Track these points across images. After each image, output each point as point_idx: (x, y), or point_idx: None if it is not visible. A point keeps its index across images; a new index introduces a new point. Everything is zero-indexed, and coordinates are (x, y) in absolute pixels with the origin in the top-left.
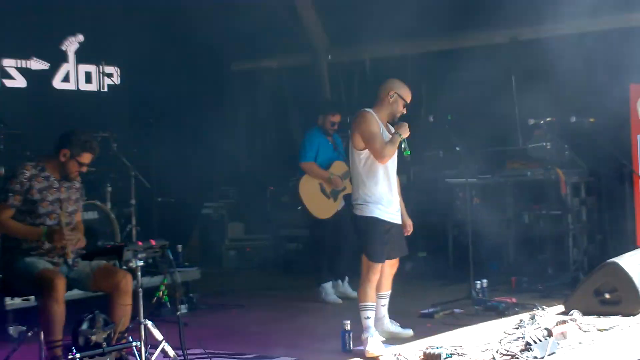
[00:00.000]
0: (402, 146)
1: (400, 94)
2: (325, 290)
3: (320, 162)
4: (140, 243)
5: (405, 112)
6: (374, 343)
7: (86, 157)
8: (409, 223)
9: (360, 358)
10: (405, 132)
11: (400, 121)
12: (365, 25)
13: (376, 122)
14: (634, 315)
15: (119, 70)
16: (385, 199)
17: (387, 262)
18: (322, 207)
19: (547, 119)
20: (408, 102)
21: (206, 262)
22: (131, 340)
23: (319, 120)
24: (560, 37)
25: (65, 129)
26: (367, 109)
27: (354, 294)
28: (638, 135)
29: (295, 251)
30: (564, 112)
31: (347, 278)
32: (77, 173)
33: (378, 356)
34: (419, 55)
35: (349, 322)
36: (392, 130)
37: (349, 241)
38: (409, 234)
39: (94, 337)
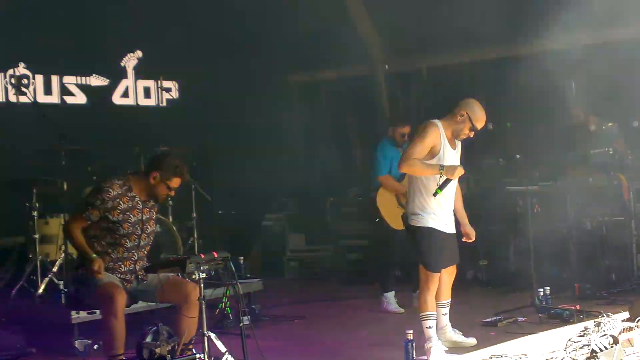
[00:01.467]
0: (438, 183)
1: (471, 118)
2: (388, 299)
3: (393, 174)
4: (202, 255)
5: (471, 136)
6: (436, 352)
7: (176, 182)
8: (472, 232)
9: None
10: (452, 175)
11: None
12: (421, 34)
13: (437, 135)
14: None
15: (177, 85)
16: (439, 209)
17: (445, 270)
18: (399, 219)
19: (609, 124)
20: (478, 128)
21: (268, 274)
22: (194, 352)
23: (389, 132)
24: (619, 41)
25: (127, 144)
26: (435, 120)
27: (399, 309)
28: None
29: (355, 261)
30: (626, 117)
31: (393, 292)
32: (164, 196)
33: None
34: (476, 62)
35: (411, 331)
36: (457, 144)
37: None
38: (471, 241)
39: (158, 350)
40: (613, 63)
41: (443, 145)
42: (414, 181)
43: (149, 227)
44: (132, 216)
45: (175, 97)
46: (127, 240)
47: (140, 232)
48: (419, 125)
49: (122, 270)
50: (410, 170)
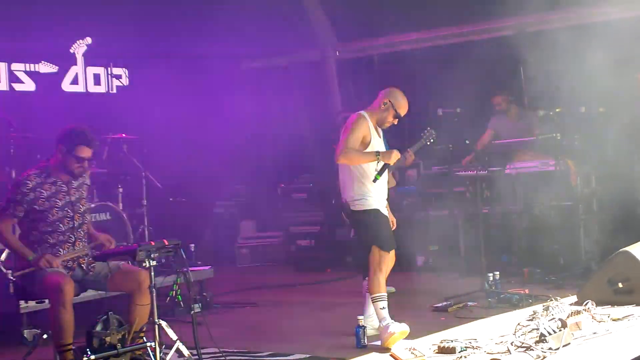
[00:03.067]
0: (377, 169)
1: (394, 105)
2: None
3: None
4: (153, 243)
5: (395, 123)
6: (394, 327)
7: (83, 150)
8: (393, 220)
9: (375, 352)
10: (389, 160)
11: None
12: (372, 20)
13: (366, 126)
14: None
15: (127, 72)
16: (377, 194)
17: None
18: None
19: (557, 109)
20: (401, 115)
21: (219, 261)
22: (145, 340)
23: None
24: (568, 27)
25: None
26: (361, 112)
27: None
28: None
29: (306, 248)
30: (574, 102)
31: None
32: (79, 169)
33: (398, 337)
34: (426, 48)
35: (362, 317)
36: (380, 132)
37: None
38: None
39: (108, 339)
40: (560, 48)
41: (372, 135)
42: (349, 171)
43: (80, 206)
44: (58, 200)
45: (125, 84)
46: (60, 225)
47: (72, 214)
48: (349, 118)
49: (62, 254)
50: (347, 160)
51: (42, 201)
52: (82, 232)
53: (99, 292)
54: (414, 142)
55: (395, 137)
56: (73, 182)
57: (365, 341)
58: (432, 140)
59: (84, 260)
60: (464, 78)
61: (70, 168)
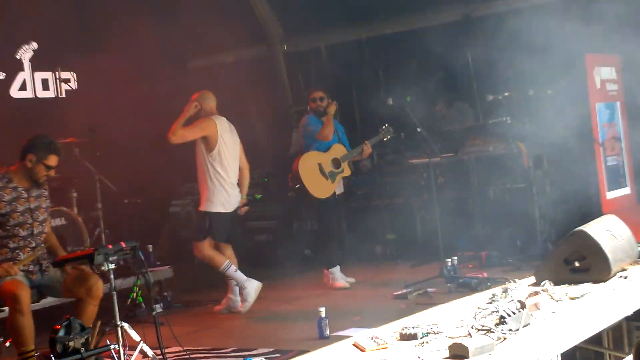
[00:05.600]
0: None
1: (204, 108)
2: (334, 275)
3: (319, 145)
4: (110, 246)
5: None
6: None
7: (52, 160)
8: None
9: (338, 343)
10: None
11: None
12: (318, 12)
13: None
14: (604, 281)
15: (75, 75)
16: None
17: None
18: (319, 187)
19: (506, 94)
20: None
21: (177, 260)
22: (109, 343)
23: (310, 105)
24: (514, 10)
25: (26, 137)
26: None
27: (349, 280)
28: (597, 104)
29: (264, 242)
30: (522, 86)
31: (338, 266)
32: (45, 177)
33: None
34: (374, 38)
35: (323, 308)
36: None
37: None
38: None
39: (71, 344)
40: (506, 32)
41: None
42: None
43: (39, 215)
44: (18, 205)
45: (74, 88)
46: (20, 230)
47: (31, 221)
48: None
49: (21, 258)
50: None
51: (3, 204)
52: (40, 239)
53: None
54: (371, 136)
55: (347, 128)
56: (32, 190)
57: (328, 332)
58: (389, 137)
59: (44, 261)
60: (412, 66)
61: (37, 176)
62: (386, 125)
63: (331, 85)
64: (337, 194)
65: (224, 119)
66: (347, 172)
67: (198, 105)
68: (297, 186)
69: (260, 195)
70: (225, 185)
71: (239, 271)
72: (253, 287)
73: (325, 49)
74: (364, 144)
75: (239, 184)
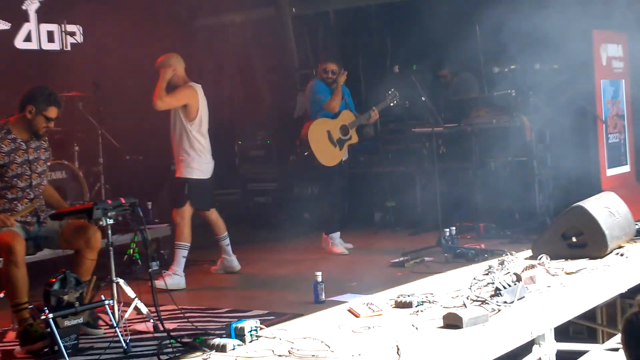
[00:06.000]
0: None
1: (177, 70)
2: (334, 240)
3: (326, 112)
4: (109, 201)
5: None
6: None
7: (52, 111)
8: None
9: (333, 307)
10: None
11: None
12: None
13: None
14: (600, 257)
15: (81, 29)
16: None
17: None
18: (328, 154)
19: (512, 67)
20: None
21: None
22: (103, 298)
23: (318, 71)
24: None
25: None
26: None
27: (347, 246)
28: (602, 81)
29: (264, 204)
30: (528, 60)
31: (338, 233)
32: (45, 129)
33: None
34: (382, 5)
35: (320, 273)
36: None
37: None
38: None
39: (65, 297)
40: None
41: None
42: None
43: (38, 166)
44: (17, 157)
45: (80, 41)
46: (19, 181)
47: (30, 172)
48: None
49: (19, 209)
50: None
51: (2, 155)
52: (39, 190)
53: (55, 251)
54: (379, 101)
55: (352, 94)
56: (31, 142)
57: (324, 297)
58: (395, 102)
59: (42, 213)
60: (420, 35)
61: (37, 128)
62: (392, 89)
63: (338, 50)
64: (343, 160)
65: (200, 86)
66: (354, 139)
67: (174, 69)
68: (305, 153)
69: None
70: (204, 153)
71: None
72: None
73: (333, 13)
74: (372, 110)
75: None
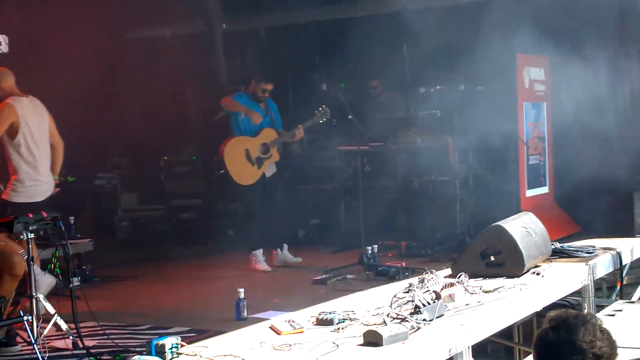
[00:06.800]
0: None
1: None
2: (257, 257)
3: (247, 128)
4: (31, 215)
5: None
6: None
7: None
8: None
9: (254, 325)
10: None
11: None
12: None
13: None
14: (517, 276)
15: (7, 39)
16: None
17: None
18: (244, 173)
19: (437, 87)
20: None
21: (99, 234)
22: (22, 314)
23: (250, 87)
24: (448, 7)
25: None
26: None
27: (296, 260)
28: (524, 103)
29: (188, 220)
30: (453, 81)
31: (285, 245)
32: None
33: None
34: (312, 23)
35: (242, 290)
36: None
37: (280, 209)
38: None
39: None
40: (445, 27)
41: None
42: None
43: None
44: None
45: (5, 51)
46: None
47: None
48: None
49: None
50: None
51: None
52: None
53: None
54: (307, 119)
55: (281, 111)
56: None
57: (246, 313)
58: (325, 119)
59: None
60: (348, 54)
61: None
62: (323, 106)
63: (267, 66)
64: (267, 176)
65: (25, 98)
66: (275, 157)
67: None
68: (221, 171)
69: (73, 179)
70: (34, 172)
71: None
72: (46, 281)
73: (263, 30)
74: (297, 128)
75: (52, 164)
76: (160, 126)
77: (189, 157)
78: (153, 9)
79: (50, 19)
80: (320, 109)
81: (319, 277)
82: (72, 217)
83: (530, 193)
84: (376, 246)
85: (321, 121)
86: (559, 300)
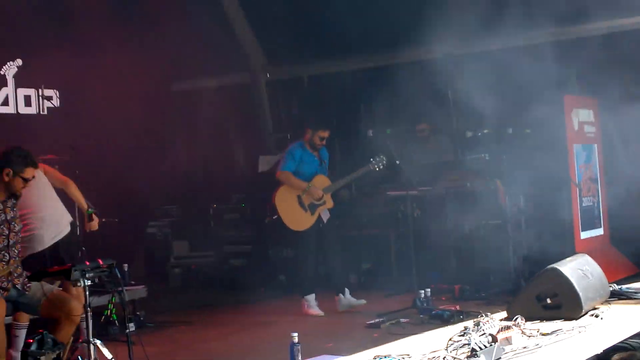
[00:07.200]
0: None
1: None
2: (309, 302)
3: (303, 176)
4: (87, 263)
5: None
6: None
7: (29, 172)
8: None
9: None
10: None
11: None
12: (302, 42)
13: None
14: (575, 318)
15: (58, 93)
16: None
17: None
18: (297, 219)
19: (485, 131)
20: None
21: (152, 281)
22: (80, 359)
23: (306, 135)
24: (494, 51)
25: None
26: None
27: (360, 302)
28: (574, 145)
29: (239, 267)
30: (501, 124)
31: (347, 290)
32: (23, 189)
33: None
34: (356, 71)
35: (296, 334)
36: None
37: (336, 254)
38: None
39: (43, 358)
40: (489, 71)
41: None
42: None
43: (16, 225)
44: None
45: (56, 105)
46: None
47: (7, 232)
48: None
49: None
50: None
51: None
52: (16, 250)
53: None
54: (353, 167)
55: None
56: (7, 201)
57: (300, 358)
58: (381, 167)
59: (19, 280)
60: (393, 100)
61: (15, 189)
62: (381, 155)
63: (312, 115)
64: (323, 221)
65: None
66: (329, 204)
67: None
68: (274, 217)
69: (94, 210)
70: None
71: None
72: None
73: (307, 78)
74: (350, 175)
75: (75, 201)
76: (208, 175)
77: (237, 204)
78: (197, 61)
79: (98, 71)
80: (376, 158)
81: (373, 321)
82: (125, 265)
83: (584, 235)
84: (429, 290)
85: (377, 169)
86: (620, 342)
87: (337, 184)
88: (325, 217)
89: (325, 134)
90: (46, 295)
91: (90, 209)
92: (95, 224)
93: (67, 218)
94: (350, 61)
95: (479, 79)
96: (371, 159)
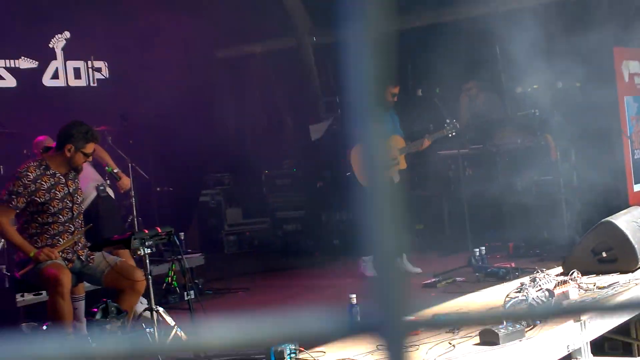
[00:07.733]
0: None
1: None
2: (367, 263)
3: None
4: (146, 231)
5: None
6: None
7: (90, 147)
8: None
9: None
10: None
11: None
12: (347, 2)
13: None
14: (631, 271)
15: (107, 64)
16: None
17: None
18: None
19: (534, 86)
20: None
21: (207, 249)
22: (145, 327)
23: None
24: (540, 5)
25: (59, 125)
26: None
27: (415, 270)
28: (625, 97)
29: (293, 232)
30: (550, 79)
31: (404, 255)
32: (84, 164)
33: None
34: (404, 30)
35: (354, 295)
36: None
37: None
38: None
39: (108, 327)
40: (534, 26)
41: None
42: None
43: (78, 197)
44: (58, 192)
45: (106, 77)
46: (60, 216)
47: (71, 205)
48: None
49: (61, 244)
50: None
51: (42, 193)
52: (79, 221)
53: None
54: (435, 130)
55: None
56: (69, 174)
57: (359, 319)
58: (453, 133)
59: (83, 252)
60: (441, 59)
61: (77, 164)
62: (454, 120)
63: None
64: (394, 181)
65: None
66: (402, 165)
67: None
68: (348, 173)
69: (115, 170)
70: None
71: None
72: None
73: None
74: (424, 138)
75: (101, 161)
76: (258, 141)
77: (289, 170)
78: (242, 27)
79: (146, 41)
80: (448, 121)
81: (429, 281)
82: (182, 233)
83: (638, 187)
84: (483, 248)
85: (450, 134)
86: None
87: (412, 146)
88: (396, 178)
89: (395, 89)
90: (111, 265)
91: (109, 168)
92: (126, 182)
93: (92, 184)
94: (397, 20)
95: (526, 35)
96: (445, 123)
